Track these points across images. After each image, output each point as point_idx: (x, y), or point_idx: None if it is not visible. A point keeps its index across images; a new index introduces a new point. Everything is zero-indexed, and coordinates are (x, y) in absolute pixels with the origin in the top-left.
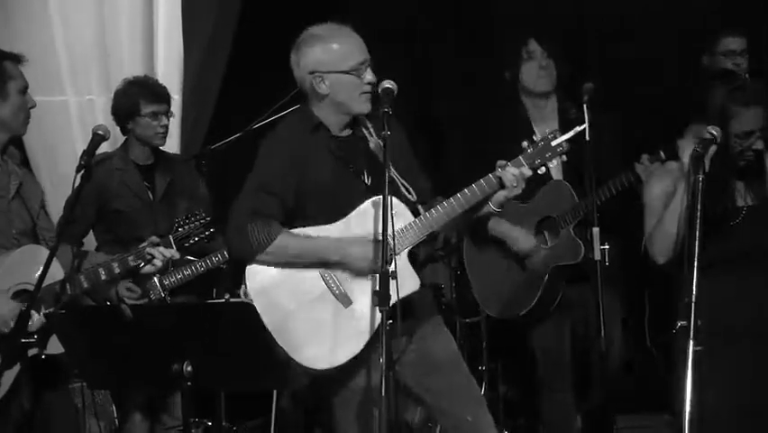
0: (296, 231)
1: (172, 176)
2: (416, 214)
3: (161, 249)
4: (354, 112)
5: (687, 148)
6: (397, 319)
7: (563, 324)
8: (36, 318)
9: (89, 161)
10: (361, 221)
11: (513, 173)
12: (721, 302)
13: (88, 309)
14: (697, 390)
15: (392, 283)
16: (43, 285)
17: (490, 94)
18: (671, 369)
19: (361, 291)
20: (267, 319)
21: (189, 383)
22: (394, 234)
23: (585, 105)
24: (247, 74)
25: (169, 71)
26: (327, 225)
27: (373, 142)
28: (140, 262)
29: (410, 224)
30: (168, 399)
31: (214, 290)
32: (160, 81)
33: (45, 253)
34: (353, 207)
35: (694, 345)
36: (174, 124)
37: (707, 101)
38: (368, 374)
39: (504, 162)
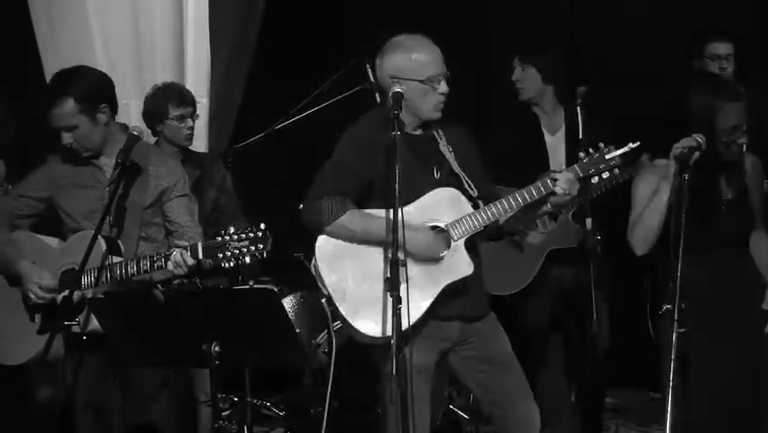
0: (365, 211)
1: (200, 170)
2: (475, 207)
3: (177, 257)
4: (424, 117)
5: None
6: (406, 313)
7: (549, 305)
8: (76, 295)
9: (126, 159)
10: (424, 208)
11: (567, 178)
12: (702, 287)
13: (125, 294)
14: (680, 369)
15: (402, 270)
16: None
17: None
18: (657, 349)
19: (417, 273)
20: (329, 283)
21: (217, 362)
22: (396, 229)
23: (578, 109)
24: (269, 78)
25: (198, 78)
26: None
27: (442, 144)
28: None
29: (469, 215)
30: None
31: (240, 277)
32: (189, 87)
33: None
34: (421, 196)
35: (678, 327)
36: (202, 127)
37: (692, 102)
38: (417, 352)
39: (562, 168)
